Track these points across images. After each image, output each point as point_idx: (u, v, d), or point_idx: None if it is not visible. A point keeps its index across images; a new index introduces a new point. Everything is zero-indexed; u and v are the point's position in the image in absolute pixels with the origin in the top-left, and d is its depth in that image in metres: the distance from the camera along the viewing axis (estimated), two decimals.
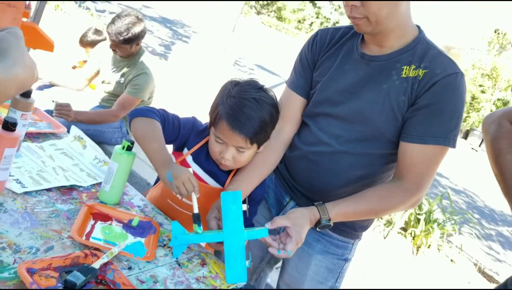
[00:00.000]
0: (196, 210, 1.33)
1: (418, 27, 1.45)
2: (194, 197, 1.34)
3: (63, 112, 2.54)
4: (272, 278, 2.02)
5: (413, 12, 1.43)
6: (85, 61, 3.97)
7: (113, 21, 2.89)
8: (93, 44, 3.91)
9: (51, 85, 3.28)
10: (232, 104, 1.41)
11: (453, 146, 1.37)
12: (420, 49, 1.39)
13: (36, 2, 2.48)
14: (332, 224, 1.39)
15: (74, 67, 4.08)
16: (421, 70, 1.36)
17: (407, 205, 1.43)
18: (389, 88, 1.39)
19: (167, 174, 1.34)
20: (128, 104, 2.91)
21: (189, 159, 1.58)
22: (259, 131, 1.42)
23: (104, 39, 4.06)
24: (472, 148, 17.98)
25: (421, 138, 1.35)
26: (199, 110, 3.13)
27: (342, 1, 1.39)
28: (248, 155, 1.48)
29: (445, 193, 5.33)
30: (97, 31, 4.00)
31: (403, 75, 1.38)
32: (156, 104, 3.19)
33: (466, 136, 19.13)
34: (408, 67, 1.38)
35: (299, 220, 1.35)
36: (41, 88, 3.23)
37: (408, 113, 1.37)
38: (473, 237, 5.64)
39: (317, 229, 1.40)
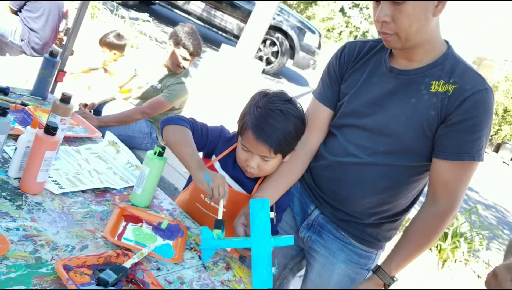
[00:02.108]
0: (220, 217, 1.37)
1: (447, 42, 1.46)
2: (222, 203, 1.39)
3: (80, 114, 2.54)
4: (295, 286, 2.04)
5: (447, 23, 1.44)
6: (90, 69, 4.13)
7: (191, 38, 2.98)
8: (110, 46, 4.08)
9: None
10: (258, 114, 1.46)
11: (483, 159, 1.40)
12: (449, 64, 1.40)
13: (74, 8, 2.59)
14: (397, 279, 1.48)
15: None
16: (450, 85, 1.37)
17: (447, 225, 1.47)
18: (417, 102, 1.40)
19: (204, 175, 1.40)
20: (159, 106, 2.93)
21: (217, 165, 1.63)
22: (284, 142, 1.46)
23: (124, 45, 4.19)
24: (504, 162, 17.51)
25: (457, 154, 1.37)
26: (227, 116, 3.18)
27: (373, 14, 1.42)
28: (272, 164, 1.52)
29: (473, 208, 5.22)
30: (119, 36, 4.14)
31: (432, 90, 1.39)
32: (185, 110, 3.27)
33: (497, 149, 18.65)
34: (437, 82, 1.39)
35: None
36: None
37: (440, 130, 1.38)
38: (502, 253, 5.51)
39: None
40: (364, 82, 1.52)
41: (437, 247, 4.61)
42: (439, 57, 1.42)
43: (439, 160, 1.40)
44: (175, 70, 3.05)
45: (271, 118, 1.45)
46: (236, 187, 1.62)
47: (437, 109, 1.37)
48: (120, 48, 4.16)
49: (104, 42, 4.08)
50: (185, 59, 2.99)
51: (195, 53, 3.00)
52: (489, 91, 1.36)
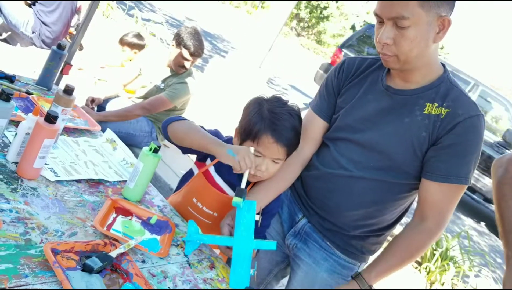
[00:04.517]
0: (243, 186, 1.42)
1: (444, 65, 1.51)
2: (247, 173, 1.43)
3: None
4: None
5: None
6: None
7: (193, 38, 3.02)
8: (131, 45, 4.25)
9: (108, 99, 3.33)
10: (272, 118, 1.50)
11: (470, 183, 1.44)
12: (444, 88, 1.44)
13: (87, 5, 2.64)
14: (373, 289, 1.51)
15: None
16: (443, 108, 1.41)
17: (431, 244, 1.52)
18: (410, 122, 1.44)
19: (227, 150, 1.42)
20: (159, 104, 2.96)
21: (211, 169, 1.66)
22: (295, 141, 1.55)
23: (144, 45, 4.29)
24: None
25: (445, 177, 1.41)
26: (228, 122, 3.22)
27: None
28: (278, 167, 1.57)
29: (463, 232, 5.23)
30: (140, 36, 4.29)
31: (425, 112, 1.43)
32: (187, 111, 3.31)
33: None
34: (431, 104, 1.43)
35: None
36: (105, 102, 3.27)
37: (430, 152, 1.42)
38: (490, 279, 5.51)
39: None
40: (360, 98, 1.56)
41: (426, 268, 4.62)
42: (434, 80, 1.46)
43: (428, 181, 1.44)
44: (177, 70, 3.10)
45: (284, 121, 1.51)
46: (229, 191, 1.65)
47: (429, 131, 1.41)
48: (141, 47, 4.36)
49: (125, 42, 4.27)
50: (186, 59, 3.04)
51: (196, 54, 3.03)
52: (481, 117, 1.40)
